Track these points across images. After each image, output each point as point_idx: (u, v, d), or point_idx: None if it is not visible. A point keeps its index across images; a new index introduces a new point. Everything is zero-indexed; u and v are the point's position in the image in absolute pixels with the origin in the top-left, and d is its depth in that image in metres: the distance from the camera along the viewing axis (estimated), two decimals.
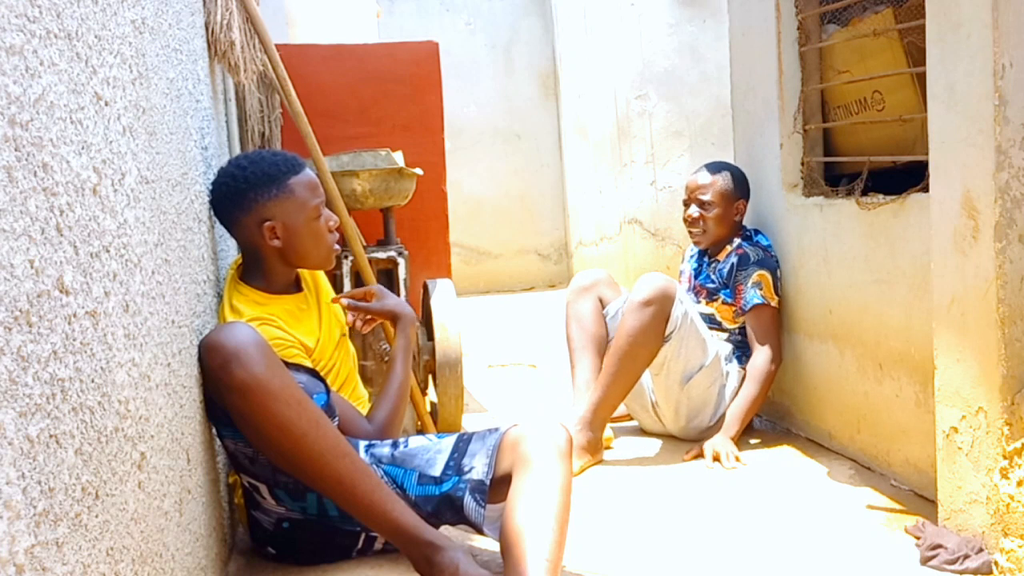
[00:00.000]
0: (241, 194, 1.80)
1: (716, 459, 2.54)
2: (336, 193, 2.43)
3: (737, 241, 2.82)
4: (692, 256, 3.01)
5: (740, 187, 2.85)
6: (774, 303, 2.73)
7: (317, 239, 1.86)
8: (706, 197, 2.81)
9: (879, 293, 2.30)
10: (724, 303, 2.81)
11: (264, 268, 1.86)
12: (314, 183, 1.87)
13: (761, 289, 2.72)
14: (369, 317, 2.04)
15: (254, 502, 1.73)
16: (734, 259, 2.79)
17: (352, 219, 2.54)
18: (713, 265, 2.87)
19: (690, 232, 2.88)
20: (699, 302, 2.87)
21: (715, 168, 2.88)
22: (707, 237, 2.84)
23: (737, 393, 2.73)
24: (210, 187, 1.85)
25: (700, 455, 2.60)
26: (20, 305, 0.75)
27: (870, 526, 2.05)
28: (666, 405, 2.75)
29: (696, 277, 2.92)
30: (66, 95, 0.91)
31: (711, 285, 2.85)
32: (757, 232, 2.88)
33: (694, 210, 2.84)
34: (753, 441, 2.76)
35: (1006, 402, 1.72)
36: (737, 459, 2.53)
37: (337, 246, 1.92)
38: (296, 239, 1.83)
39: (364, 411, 2.01)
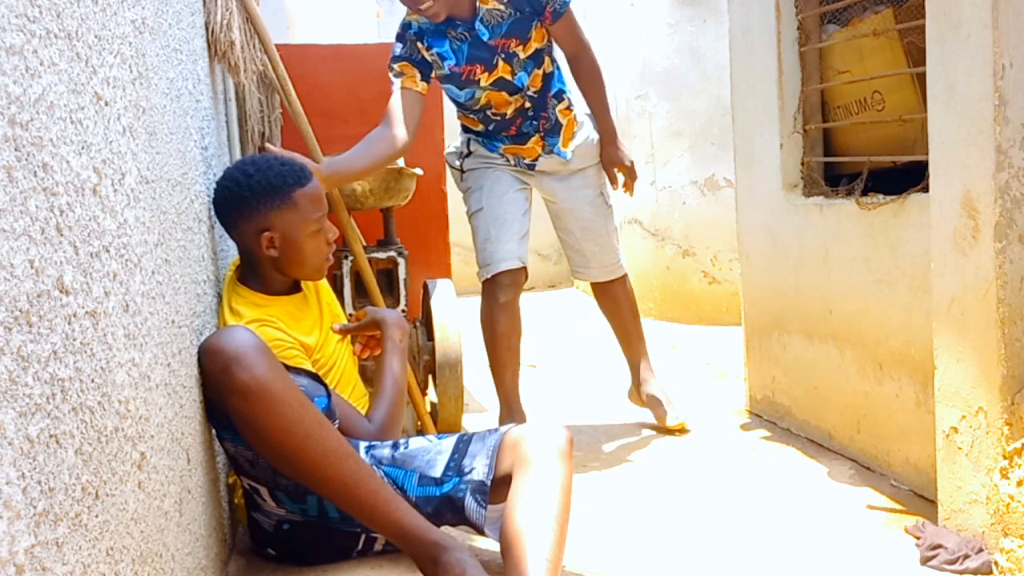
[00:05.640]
0: (244, 201, 1.79)
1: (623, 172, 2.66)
2: (336, 193, 2.43)
3: None
4: (421, 32, 2.54)
5: None
6: None
7: (314, 253, 1.85)
8: None
9: (879, 293, 2.30)
10: (536, 29, 2.57)
11: (261, 273, 1.86)
12: (318, 196, 1.86)
13: None
14: (364, 337, 2.07)
15: (254, 504, 1.73)
16: None
17: (352, 219, 2.53)
18: (491, 14, 2.50)
19: (419, 10, 2.44)
20: (514, 55, 2.57)
21: None
22: (442, 4, 2.43)
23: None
24: (214, 187, 1.85)
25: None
26: (20, 305, 0.75)
27: (870, 526, 2.05)
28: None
29: (486, 37, 2.52)
30: (66, 95, 0.91)
31: (516, 32, 2.53)
32: None
33: None
34: (753, 442, 2.76)
35: (1006, 402, 1.72)
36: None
37: (333, 254, 1.92)
38: (293, 251, 1.82)
39: (365, 410, 2.01)
